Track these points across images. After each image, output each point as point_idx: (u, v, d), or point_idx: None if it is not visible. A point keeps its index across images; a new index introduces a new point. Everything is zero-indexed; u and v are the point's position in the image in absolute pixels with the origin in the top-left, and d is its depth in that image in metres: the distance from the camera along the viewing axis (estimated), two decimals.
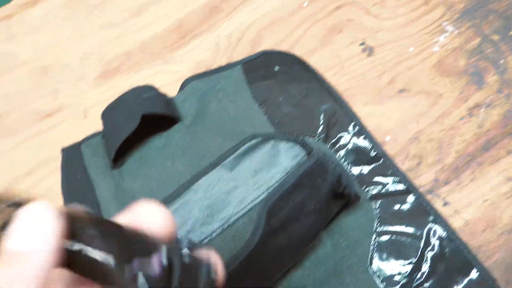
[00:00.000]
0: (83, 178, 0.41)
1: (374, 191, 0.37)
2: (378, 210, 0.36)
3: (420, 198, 0.36)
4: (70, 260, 0.15)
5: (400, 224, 0.35)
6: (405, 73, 0.43)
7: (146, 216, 0.17)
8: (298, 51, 0.45)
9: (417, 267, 0.33)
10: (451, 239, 0.33)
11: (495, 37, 0.44)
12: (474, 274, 0.32)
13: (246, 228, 0.32)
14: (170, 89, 0.44)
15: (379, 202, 0.36)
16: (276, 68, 0.45)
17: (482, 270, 0.32)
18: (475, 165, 0.37)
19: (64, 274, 0.16)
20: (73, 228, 0.15)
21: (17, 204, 0.15)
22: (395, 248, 0.34)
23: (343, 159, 0.39)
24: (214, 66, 0.46)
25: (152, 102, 0.41)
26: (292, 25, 0.48)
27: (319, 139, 0.40)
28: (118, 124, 0.40)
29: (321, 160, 0.33)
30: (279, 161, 0.37)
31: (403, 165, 0.38)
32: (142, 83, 0.42)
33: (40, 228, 0.14)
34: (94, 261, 0.15)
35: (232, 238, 0.30)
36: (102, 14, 0.52)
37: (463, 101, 0.40)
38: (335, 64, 0.44)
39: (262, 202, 0.31)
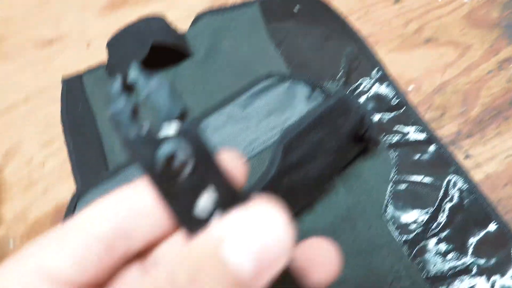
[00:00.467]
0: (84, 109, 0.39)
1: (394, 140, 0.35)
2: (397, 158, 0.34)
3: (441, 148, 0.34)
4: None
5: (419, 173, 0.33)
6: (433, 22, 0.40)
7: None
8: None
9: (433, 217, 0.31)
10: (471, 191, 0.32)
11: None
12: (492, 227, 0.31)
13: (256, 169, 0.30)
14: (181, 26, 0.41)
15: (398, 150, 0.34)
16: (296, 8, 0.42)
17: (501, 223, 0.31)
18: (501, 119, 0.35)
19: None
20: None
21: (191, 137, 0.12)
22: (412, 198, 0.32)
23: None
24: (230, 2, 0.43)
25: (163, 32, 0.39)
26: None
27: (338, 84, 0.38)
28: (125, 53, 0.38)
29: (344, 99, 0.30)
30: (294, 104, 0.35)
31: (426, 115, 0.36)
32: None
33: (272, 249, 0.11)
34: None
35: None
36: None
37: (493, 54, 0.38)
38: (359, 8, 0.42)
39: (275, 143, 0.30)
